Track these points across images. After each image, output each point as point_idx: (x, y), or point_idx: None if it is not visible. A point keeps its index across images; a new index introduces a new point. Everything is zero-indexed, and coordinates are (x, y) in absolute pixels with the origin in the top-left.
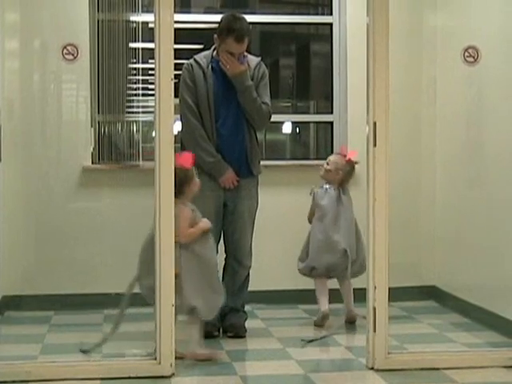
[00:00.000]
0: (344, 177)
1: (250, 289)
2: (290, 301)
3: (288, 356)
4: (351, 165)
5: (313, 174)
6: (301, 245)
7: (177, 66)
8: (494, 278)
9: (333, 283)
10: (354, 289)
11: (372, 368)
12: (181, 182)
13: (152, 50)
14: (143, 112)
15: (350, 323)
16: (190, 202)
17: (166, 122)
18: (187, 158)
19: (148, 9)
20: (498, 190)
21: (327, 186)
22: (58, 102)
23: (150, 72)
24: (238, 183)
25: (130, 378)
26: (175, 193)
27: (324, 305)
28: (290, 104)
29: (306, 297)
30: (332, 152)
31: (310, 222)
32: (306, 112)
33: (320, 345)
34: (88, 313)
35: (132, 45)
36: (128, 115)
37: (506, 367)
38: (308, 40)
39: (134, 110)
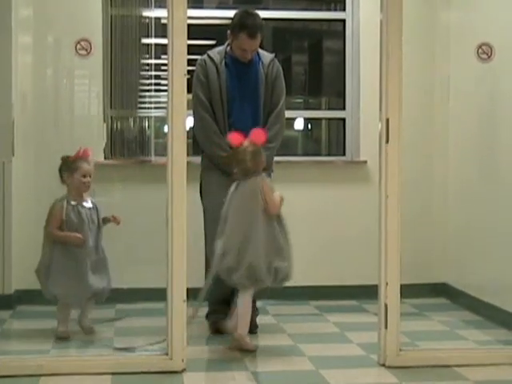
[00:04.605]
0: (235, 166)
1: None
2: (301, 297)
3: (299, 352)
4: (234, 152)
5: (325, 170)
6: (312, 240)
7: (189, 62)
8: (506, 275)
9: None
10: (365, 285)
11: (383, 365)
12: (60, 169)
13: (165, 45)
14: (156, 107)
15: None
16: (74, 198)
17: (178, 117)
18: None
19: (161, 4)
20: (511, 187)
21: None
22: (71, 97)
23: (163, 67)
24: None
25: (141, 373)
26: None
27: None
28: (302, 100)
29: (317, 293)
30: (344, 149)
31: None
32: (318, 108)
33: (331, 341)
34: (100, 307)
35: (145, 40)
36: (140, 111)
37: None
38: (321, 36)
39: (147, 105)
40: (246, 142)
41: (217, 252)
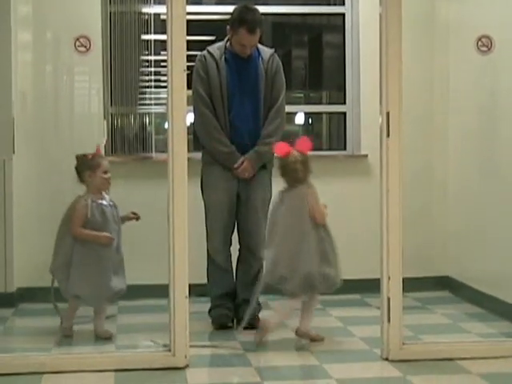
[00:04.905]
0: (283, 175)
1: None
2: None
3: (302, 347)
4: (282, 161)
5: (326, 164)
6: None
7: (189, 58)
8: (509, 268)
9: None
10: (368, 279)
11: (386, 359)
12: (78, 168)
13: (164, 41)
14: (156, 104)
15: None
16: (95, 196)
17: (178, 113)
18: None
19: (160, 0)
20: (511, 179)
21: (283, 189)
22: (71, 94)
23: (163, 64)
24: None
25: (144, 369)
26: (80, 179)
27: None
28: (302, 95)
29: None
30: (345, 143)
31: None
32: (319, 103)
33: (335, 336)
34: None
35: (144, 36)
36: (141, 107)
37: None
38: (320, 30)
39: (147, 101)
40: (294, 152)
41: (267, 262)
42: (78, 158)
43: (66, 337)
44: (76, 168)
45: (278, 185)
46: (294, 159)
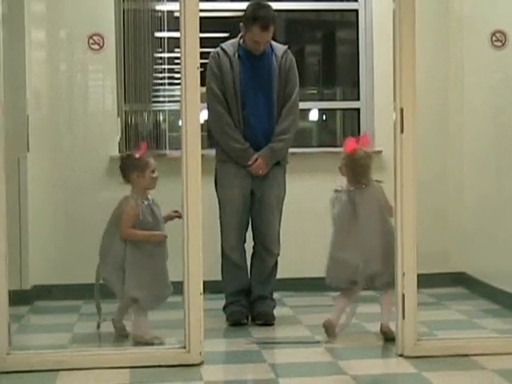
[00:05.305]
0: (352, 173)
1: (278, 276)
2: (318, 288)
3: (317, 343)
4: (351, 158)
5: (339, 161)
6: (329, 231)
7: (202, 55)
8: None
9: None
10: None
11: (401, 355)
12: (126, 169)
13: (178, 38)
14: (169, 101)
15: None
16: (142, 196)
17: (192, 110)
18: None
19: None
20: None
21: (341, 189)
22: (85, 91)
23: (176, 61)
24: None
25: (159, 366)
26: (125, 180)
27: (333, 315)
28: (316, 91)
29: None
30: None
31: None
32: (333, 99)
33: (349, 332)
34: (117, 301)
35: (158, 34)
36: (154, 104)
37: None
38: (334, 27)
39: (161, 99)
40: (361, 148)
41: (354, 262)
42: (123, 157)
43: (121, 336)
44: (121, 168)
45: (292, 182)
46: (364, 155)
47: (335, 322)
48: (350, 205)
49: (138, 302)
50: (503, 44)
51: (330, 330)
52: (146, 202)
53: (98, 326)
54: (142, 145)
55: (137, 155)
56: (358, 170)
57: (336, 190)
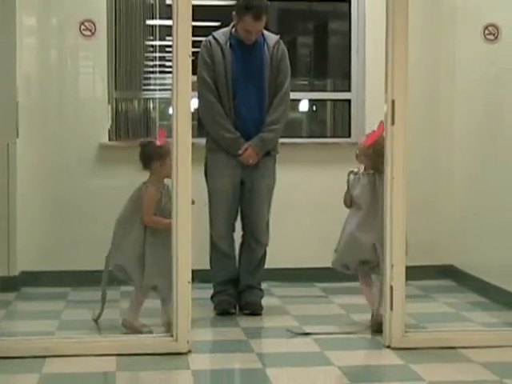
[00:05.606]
0: (372, 161)
1: (266, 266)
2: (306, 279)
3: (304, 334)
4: (374, 148)
5: (330, 152)
6: (318, 222)
7: (194, 44)
8: None
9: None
10: None
11: (389, 346)
12: (147, 157)
13: (169, 26)
14: (160, 89)
15: (376, 330)
16: (161, 183)
17: (183, 99)
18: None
19: None
20: None
21: (358, 171)
22: (75, 78)
23: (168, 49)
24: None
25: (146, 354)
26: (146, 168)
27: (372, 305)
28: (307, 82)
29: (322, 275)
30: (350, 131)
31: (346, 206)
32: (324, 90)
33: (337, 323)
34: (115, 289)
35: (149, 21)
36: (145, 92)
37: None
38: (326, 17)
39: (151, 87)
40: (381, 136)
41: (371, 242)
42: (143, 145)
43: (127, 327)
44: (142, 156)
45: (281, 172)
46: (383, 143)
47: (378, 311)
48: (371, 186)
49: (156, 289)
50: (496, 37)
51: (378, 319)
52: (165, 189)
53: (99, 317)
54: (161, 132)
55: (158, 143)
56: (379, 157)
57: (353, 172)
